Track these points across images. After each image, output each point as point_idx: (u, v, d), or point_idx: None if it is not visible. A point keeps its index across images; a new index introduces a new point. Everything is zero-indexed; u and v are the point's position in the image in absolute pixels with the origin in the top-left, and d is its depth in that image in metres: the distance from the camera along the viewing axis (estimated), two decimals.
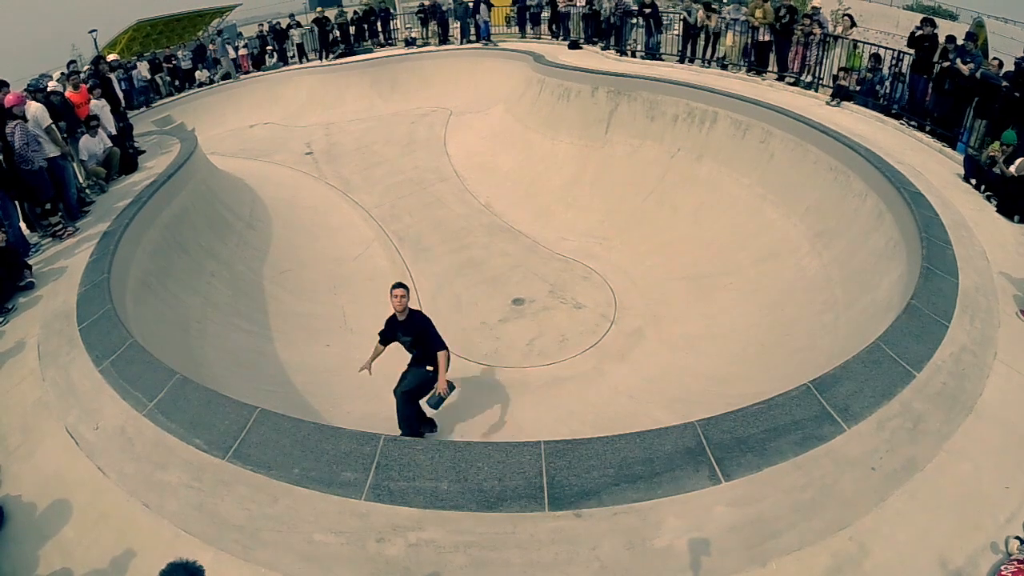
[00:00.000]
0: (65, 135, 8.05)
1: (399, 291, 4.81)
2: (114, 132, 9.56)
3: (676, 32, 13.62)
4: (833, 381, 3.90)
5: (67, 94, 9.00)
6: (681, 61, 12.85)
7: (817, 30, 10.67)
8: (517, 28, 17.91)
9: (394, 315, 4.95)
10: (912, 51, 9.51)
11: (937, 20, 11.22)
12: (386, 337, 5.13)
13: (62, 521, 3.49)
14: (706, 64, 12.49)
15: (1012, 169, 6.57)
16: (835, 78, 10.29)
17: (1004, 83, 7.74)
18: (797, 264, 7.43)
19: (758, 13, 11.27)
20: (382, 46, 18.85)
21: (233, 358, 6.35)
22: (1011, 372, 4.30)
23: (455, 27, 18.06)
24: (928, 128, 8.83)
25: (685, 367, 6.53)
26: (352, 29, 18.66)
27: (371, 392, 5.45)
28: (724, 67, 11.97)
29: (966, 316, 4.65)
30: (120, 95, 11.12)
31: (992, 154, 7.00)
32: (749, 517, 3.12)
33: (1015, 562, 2.99)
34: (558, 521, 3.10)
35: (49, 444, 4.01)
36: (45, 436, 4.09)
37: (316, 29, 18.23)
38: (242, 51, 18.07)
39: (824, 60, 10.70)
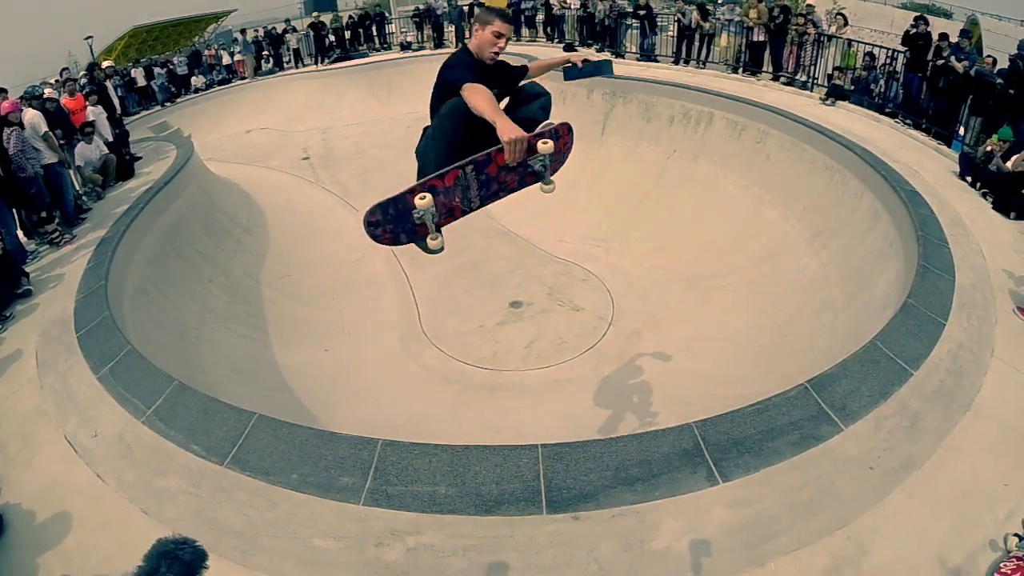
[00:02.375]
0: (61, 142, 8.05)
1: (505, 25, 2.99)
2: (110, 139, 9.57)
3: (671, 34, 13.66)
4: (830, 380, 3.90)
5: (63, 101, 9.02)
6: (676, 63, 12.88)
7: (811, 29, 10.70)
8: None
9: (466, 56, 3.14)
10: (906, 49, 9.54)
11: (931, 18, 11.25)
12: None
13: (61, 528, 3.47)
14: (701, 65, 12.52)
15: (1009, 165, 6.59)
16: (830, 77, 10.32)
17: (999, 80, 7.77)
18: (795, 264, 7.43)
19: (752, 13, 11.30)
20: (378, 50, 18.85)
21: (231, 364, 6.35)
22: (1009, 369, 4.30)
23: (450, 31, 18.07)
24: (923, 126, 8.86)
25: (683, 369, 6.53)
26: (348, 34, 18.69)
27: (369, 396, 5.45)
28: (736, 70, 11.95)
29: (963, 314, 4.66)
30: (116, 101, 11.13)
31: (989, 148, 7.00)
32: (747, 518, 3.12)
33: (1014, 559, 2.99)
34: (556, 524, 3.10)
35: (48, 451, 4.00)
36: (44, 443, 4.08)
37: (312, 34, 18.25)
38: (238, 56, 18.09)
39: (819, 59, 10.73)
